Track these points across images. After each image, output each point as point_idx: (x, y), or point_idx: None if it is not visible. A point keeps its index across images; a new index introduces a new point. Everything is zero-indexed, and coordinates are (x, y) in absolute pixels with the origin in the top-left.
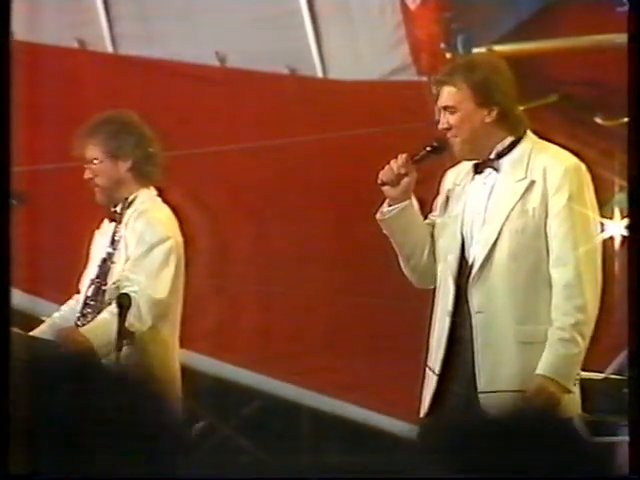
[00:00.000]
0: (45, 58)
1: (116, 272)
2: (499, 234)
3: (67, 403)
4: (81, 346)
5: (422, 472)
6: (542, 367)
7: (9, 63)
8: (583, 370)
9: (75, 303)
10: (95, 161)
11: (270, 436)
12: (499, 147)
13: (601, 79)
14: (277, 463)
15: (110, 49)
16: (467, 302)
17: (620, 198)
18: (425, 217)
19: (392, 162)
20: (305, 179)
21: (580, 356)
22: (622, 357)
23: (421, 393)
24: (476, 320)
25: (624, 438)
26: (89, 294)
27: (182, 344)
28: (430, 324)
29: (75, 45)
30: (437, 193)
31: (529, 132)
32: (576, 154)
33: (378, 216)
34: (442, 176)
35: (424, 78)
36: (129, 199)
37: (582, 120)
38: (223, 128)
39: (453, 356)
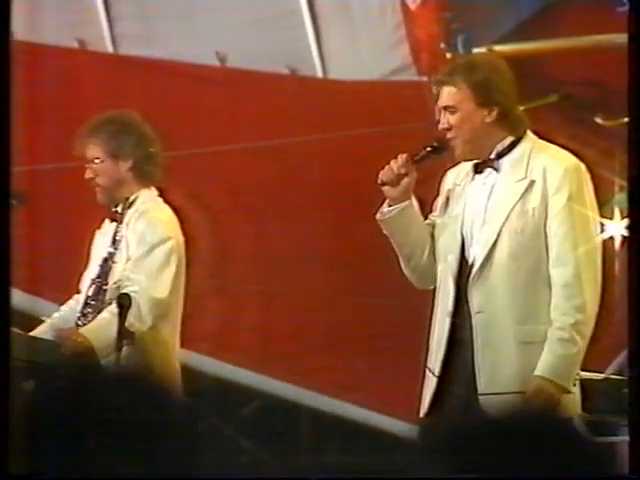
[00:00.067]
0: (45, 58)
1: (117, 272)
2: (499, 234)
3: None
4: (81, 346)
5: (422, 472)
6: (541, 368)
7: (9, 63)
8: (583, 370)
9: (75, 303)
10: (96, 161)
11: (270, 436)
12: (499, 147)
13: (601, 79)
14: (277, 463)
15: (110, 49)
16: (467, 302)
17: (620, 198)
18: (425, 217)
19: (392, 162)
20: (305, 179)
21: (579, 356)
22: (622, 357)
23: (421, 393)
24: (476, 320)
25: (624, 438)
26: (90, 294)
27: (182, 344)
28: (430, 324)
29: (75, 45)
30: (437, 193)
31: (529, 132)
32: (576, 154)
33: (378, 216)
34: (442, 176)
35: (424, 78)
36: (130, 199)
37: (582, 120)
38: (223, 128)
39: (453, 356)
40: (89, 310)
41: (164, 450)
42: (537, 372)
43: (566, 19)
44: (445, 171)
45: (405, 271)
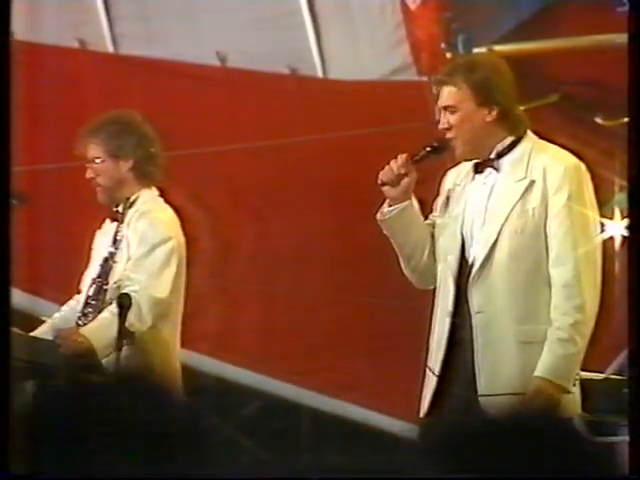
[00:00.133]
0: (45, 58)
1: (118, 272)
2: (499, 234)
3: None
4: (81, 346)
5: (422, 472)
6: (540, 369)
7: (9, 63)
8: (583, 370)
9: (75, 303)
10: (97, 160)
11: (270, 436)
12: (499, 147)
13: (601, 79)
14: (277, 463)
15: (111, 49)
16: (467, 302)
17: (620, 198)
18: (426, 217)
19: (392, 162)
20: (305, 179)
21: (579, 356)
22: (622, 357)
23: (421, 393)
24: (476, 320)
25: (624, 438)
26: (90, 293)
27: (183, 344)
28: (430, 324)
29: (75, 45)
30: (437, 193)
31: (529, 132)
32: (576, 154)
33: (378, 216)
34: (442, 176)
35: (424, 78)
36: (131, 199)
37: (582, 120)
38: (223, 128)
39: (453, 356)
40: (89, 310)
41: (164, 450)
42: (537, 372)
43: (566, 19)
44: (445, 171)
45: (405, 271)
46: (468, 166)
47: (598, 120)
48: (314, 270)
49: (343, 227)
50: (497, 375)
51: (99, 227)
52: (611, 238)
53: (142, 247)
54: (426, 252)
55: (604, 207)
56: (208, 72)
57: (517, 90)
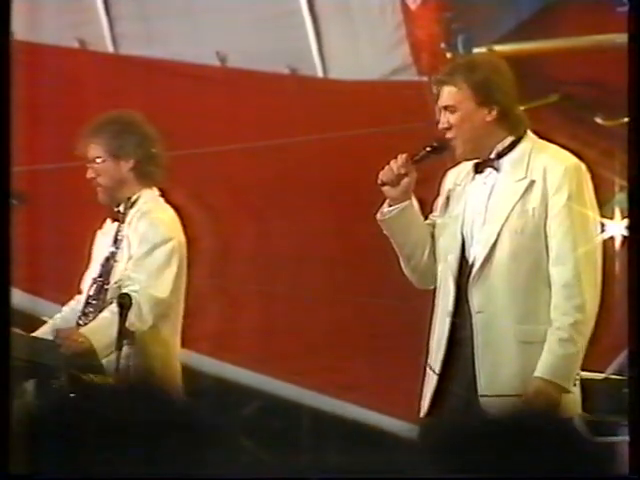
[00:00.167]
0: (45, 58)
1: (118, 271)
2: (499, 234)
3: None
4: (81, 346)
5: (422, 472)
6: (540, 369)
7: (9, 63)
8: (583, 370)
9: (76, 303)
10: (97, 160)
11: (270, 436)
12: (499, 147)
13: (601, 79)
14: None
15: (111, 49)
16: (467, 302)
17: (621, 198)
18: (426, 217)
19: (392, 162)
20: (306, 179)
21: (579, 356)
22: (622, 357)
23: (421, 392)
24: (476, 320)
25: (624, 438)
26: (91, 293)
27: (183, 344)
28: (430, 324)
29: (75, 45)
30: (437, 193)
31: (529, 132)
32: (576, 154)
33: (378, 216)
34: (443, 176)
35: (425, 78)
36: (132, 199)
37: (582, 120)
38: (224, 128)
39: (453, 356)
40: (90, 309)
41: (165, 450)
42: (537, 373)
43: (566, 19)
44: (445, 171)
45: (405, 271)
46: (468, 166)
47: (598, 120)
48: (314, 270)
49: (343, 227)
50: (497, 375)
51: (100, 227)
52: (611, 238)
53: (143, 247)
54: (426, 252)
55: (604, 207)
56: (208, 72)
57: (517, 90)
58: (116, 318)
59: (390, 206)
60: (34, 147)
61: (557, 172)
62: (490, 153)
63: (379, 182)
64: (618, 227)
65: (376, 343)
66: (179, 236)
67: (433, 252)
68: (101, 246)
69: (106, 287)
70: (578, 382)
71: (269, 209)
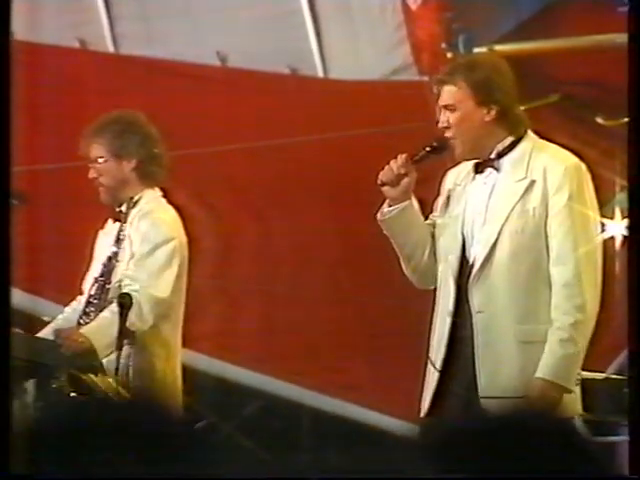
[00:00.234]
0: (45, 58)
1: (120, 271)
2: (499, 234)
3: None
4: (81, 346)
5: (422, 472)
6: (542, 370)
7: (9, 63)
8: (584, 370)
9: (78, 304)
10: (100, 160)
11: (270, 436)
12: (499, 147)
13: (602, 79)
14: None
15: (111, 49)
16: (468, 302)
17: (621, 198)
18: (426, 217)
19: (392, 162)
20: (306, 179)
21: (580, 356)
22: (623, 357)
23: (422, 392)
24: (476, 320)
25: (624, 438)
26: (92, 292)
27: (184, 344)
28: (431, 324)
29: (76, 45)
30: (438, 193)
31: (529, 132)
32: (577, 154)
33: (378, 217)
34: (443, 176)
35: (425, 78)
36: (134, 199)
37: (583, 120)
38: (224, 128)
39: (454, 355)
40: (92, 309)
41: (165, 450)
42: (538, 374)
43: (566, 19)
44: (446, 171)
45: (406, 271)
46: (468, 166)
47: (598, 120)
48: (314, 270)
49: (343, 227)
50: (497, 375)
51: (102, 227)
52: (612, 238)
53: (144, 247)
54: (426, 252)
55: (605, 207)
56: (208, 72)
57: (517, 90)
58: (116, 318)
59: (390, 206)
60: (34, 147)
61: (557, 172)
62: (490, 153)
63: (379, 182)
64: (618, 227)
65: (376, 343)
66: (180, 236)
67: (433, 252)
68: (103, 246)
69: (108, 287)
70: (579, 382)
71: (269, 209)
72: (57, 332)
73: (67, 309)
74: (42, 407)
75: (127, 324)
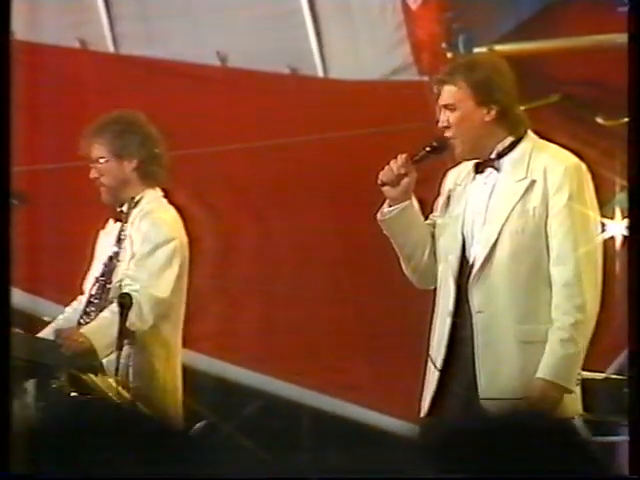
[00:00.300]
0: (45, 58)
1: (121, 271)
2: (500, 234)
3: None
4: (81, 346)
5: (422, 472)
6: (543, 370)
7: (9, 63)
8: (584, 370)
9: (78, 304)
10: (101, 160)
11: (270, 436)
12: (499, 147)
13: (602, 79)
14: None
15: (111, 49)
16: (468, 302)
17: (621, 198)
18: (426, 218)
19: (392, 162)
20: (306, 179)
21: (580, 356)
22: (623, 357)
23: (422, 392)
24: (477, 320)
25: (624, 438)
26: (93, 292)
27: (185, 344)
28: (431, 324)
29: (76, 45)
30: (438, 193)
31: (530, 132)
32: (577, 154)
33: (378, 217)
34: (443, 176)
35: (425, 78)
36: (135, 199)
37: (583, 120)
38: (224, 128)
39: (454, 355)
40: (92, 309)
41: (165, 450)
42: (539, 374)
43: (566, 19)
44: (446, 171)
45: (406, 271)
46: (469, 166)
47: (599, 120)
48: (315, 270)
49: (343, 227)
50: (497, 375)
51: (103, 227)
52: (612, 238)
53: (145, 247)
54: (426, 252)
55: (605, 207)
56: (208, 72)
57: (518, 90)
58: (116, 318)
59: (390, 206)
60: (34, 147)
61: (557, 172)
62: (490, 153)
63: (379, 182)
64: (618, 227)
65: (376, 343)
66: (181, 236)
67: (433, 252)
68: (104, 246)
69: (108, 286)
70: (580, 382)
71: (269, 209)
72: (57, 332)
73: (68, 309)
74: (42, 407)
75: (127, 324)
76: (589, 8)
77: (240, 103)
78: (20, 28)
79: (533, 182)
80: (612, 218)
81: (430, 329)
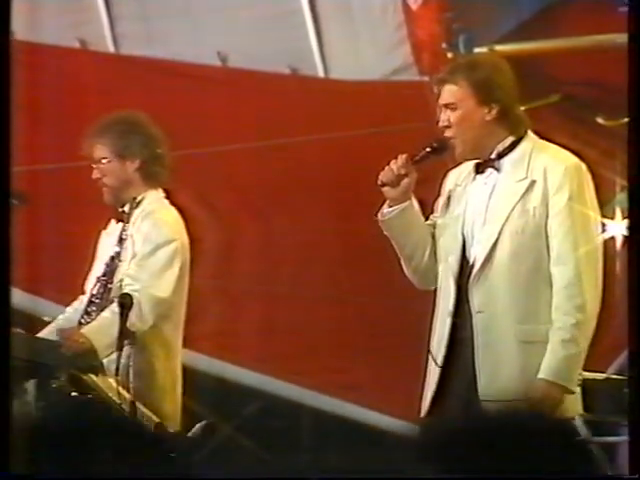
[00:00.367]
0: (45, 58)
1: (122, 270)
2: (500, 234)
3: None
4: (82, 346)
5: (422, 472)
6: (544, 370)
7: (9, 63)
8: (584, 370)
9: (79, 304)
10: (103, 161)
11: (270, 436)
12: (500, 147)
13: (602, 79)
14: (277, 463)
15: (111, 49)
16: (468, 302)
17: (621, 198)
18: (426, 218)
19: (392, 163)
20: (306, 179)
21: (581, 356)
22: (623, 357)
23: (422, 391)
24: (477, 320)
25: (624, 438)
26: (94, 292)
27: (185, 344)
28: (431, 324)
29: (76, 45)
30: (438, 194)
31: (530, 132)
32: (577, 154)
33: (378, 217)
34: (443, 177)
35: (426, 78)
36: (137, 199)
37: (583, 120)
38: (224, 128)
39: (454, 355)
40: (93, 308)
41: (165, 450)
42: (541, 375)
43: (567, 19)
44: (446, 171)
45: (406, 272)
46: (469, 166)
47: (599, 120)
48: (315, 270)
49: (344, 227)
50: (497, 375)
51: (104, 227)
52: (612, 238)
53: (145, 247)
54: (427, 253)
55: (605, 207)
56: (209, 72)
57: (518, 90)
58: (117, 318)
59: (390, 207)
60: (34, 147)
61: (558, 172)
62: (491, 153)
63: (379, 183)
64: (619, 227)
65: (376, 343)
66: (182, 237)
67: (434, 252)
68: (105, 246)
69: (110, 286)
70: (580, 382)
71: (270, 209)
72: (58, 332)
73: (69, 309)
74: (42, 407)
75: (128, 324)
76: (589, 8)
77: (241, 103)
78: (20, 28)
79: (533, 182)
80: (612, 218)
81: (430, 329)
